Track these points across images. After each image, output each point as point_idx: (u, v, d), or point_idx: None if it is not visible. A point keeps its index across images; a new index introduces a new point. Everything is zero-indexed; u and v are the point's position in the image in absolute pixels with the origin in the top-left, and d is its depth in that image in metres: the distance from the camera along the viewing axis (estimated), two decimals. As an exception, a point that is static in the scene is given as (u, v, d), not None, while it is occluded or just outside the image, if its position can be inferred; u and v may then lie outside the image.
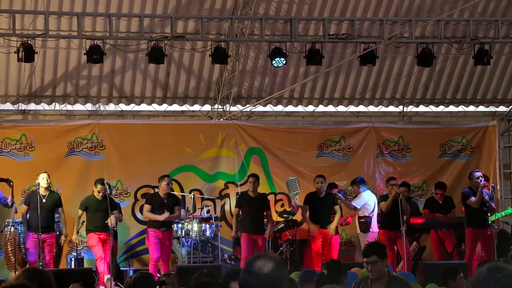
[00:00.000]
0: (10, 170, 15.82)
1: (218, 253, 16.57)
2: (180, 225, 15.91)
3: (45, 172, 14.97)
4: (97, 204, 14.86)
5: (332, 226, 15.71)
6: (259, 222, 15.62)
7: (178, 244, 16.16)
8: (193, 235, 15.88)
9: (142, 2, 17.53)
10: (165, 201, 15.22)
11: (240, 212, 15.70)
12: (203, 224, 16.10)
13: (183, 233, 15.90)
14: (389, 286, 8.04)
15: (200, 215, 16.69)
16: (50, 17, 16.08)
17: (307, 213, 15.86)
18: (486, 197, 15.50)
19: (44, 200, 14.68)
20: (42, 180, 14.76)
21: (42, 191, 14.74)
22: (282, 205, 17.76)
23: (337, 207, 15.87)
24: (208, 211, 16.83)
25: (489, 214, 15.75)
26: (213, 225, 16.24)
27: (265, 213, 15.73)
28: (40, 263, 14.35)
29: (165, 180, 15.31)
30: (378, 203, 16.05)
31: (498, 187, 18.13)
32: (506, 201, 18.87)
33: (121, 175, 17.13)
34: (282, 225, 16.80)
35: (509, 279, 3.61)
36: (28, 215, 14.74)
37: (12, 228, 15.13)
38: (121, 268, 16.08)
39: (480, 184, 15.39)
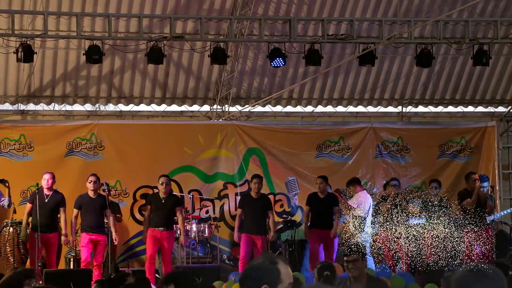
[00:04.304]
0: (9, 171, 15.80)
1: (217, 253, 16.57)
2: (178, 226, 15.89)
3: (49, 172, 14.87)
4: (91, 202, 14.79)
5: (334, 227, 15.55)
6: (261, 223, 15.40)
7: (176, 245, 16.15)
8: (192, 236, 15.86)
9: (141, 2, 17.53)
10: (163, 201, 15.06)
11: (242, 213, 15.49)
12: (202, 225, 16.09)
13: (182, 234, 15.88)
14: (369, 287, 8.23)
15: (199, 215, 16.69)
16: (49, 17, 16.06)
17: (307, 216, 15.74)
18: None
19: (46, 200, 14.60)
20: (43, 181, 14.67)
21: (45, 191, 14.64)
22: (282, 206, 17.74)
23: (337, 208, 15.68)
24: (207, 212, 16.82)
25: (487, 214, 15.75)
26: (212, 226, 16.22)
27: (268, 214, 15.45)
28: (40, 264, 14.33)
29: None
30: (378, 204, 16.00)
31: (497, 188, 18.12)
32: (505, 201, 18.87)
33: (120, 175, 17.11)
34: (281, 225, 16.78)
35: (494, 270, 3.70)
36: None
37: (11, 229, 15.11)
38: (120, 269, 16.06)
39: (475, 186, 15.38)
